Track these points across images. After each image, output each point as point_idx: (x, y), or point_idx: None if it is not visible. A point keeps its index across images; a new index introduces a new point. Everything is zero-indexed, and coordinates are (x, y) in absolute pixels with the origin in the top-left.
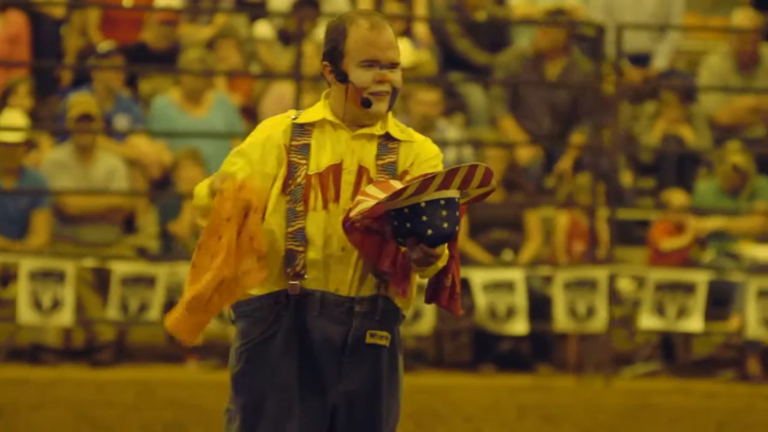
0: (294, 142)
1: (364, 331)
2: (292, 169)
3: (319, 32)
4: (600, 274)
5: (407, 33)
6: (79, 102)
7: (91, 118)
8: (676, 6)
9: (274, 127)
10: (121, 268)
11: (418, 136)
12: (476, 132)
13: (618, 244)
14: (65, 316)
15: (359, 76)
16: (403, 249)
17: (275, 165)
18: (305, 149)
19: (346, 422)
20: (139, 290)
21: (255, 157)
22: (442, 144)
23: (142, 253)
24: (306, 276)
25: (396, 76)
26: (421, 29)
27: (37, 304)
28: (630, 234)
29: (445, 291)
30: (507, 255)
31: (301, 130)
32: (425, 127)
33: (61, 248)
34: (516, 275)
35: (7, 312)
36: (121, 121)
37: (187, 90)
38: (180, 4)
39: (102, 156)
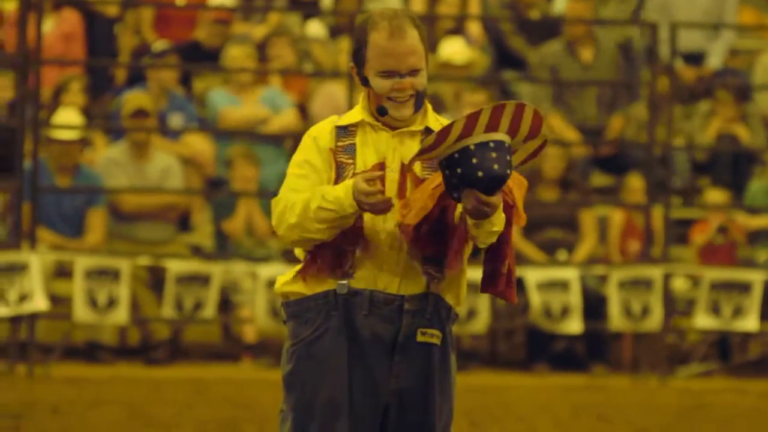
0: (340, 143)
1: (415, 329)
2: (340, 170)
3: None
4: (655, 273)
5: (461, 31)
6: (134, 98)
7: (146, 114)
8: (730, 4)
9: (319, 134)
10: (175, 267)
11: None
12: None
13: (673, 243)
14: (120, 315)
15: (378, 84)
16: (458, 214)
17: (329, 169)
18: (351, 149)
19: (397, 421)
20: (193, 288)
21: (319, 165)
22: None
23: (197, 252)
24: (354, 275)
25: (418, 80)
26: (474, 28)
27: (93, 303)
28: (685, 233)
29: (502, 278)
30: (561, 254)
31: (345, 131)
32: None
33: (117, 246)
34: (571, 274)
35: (63, 310)
36: (176, 120)
37: (237, 85)
38: (233, 3)
39: (157, 154)
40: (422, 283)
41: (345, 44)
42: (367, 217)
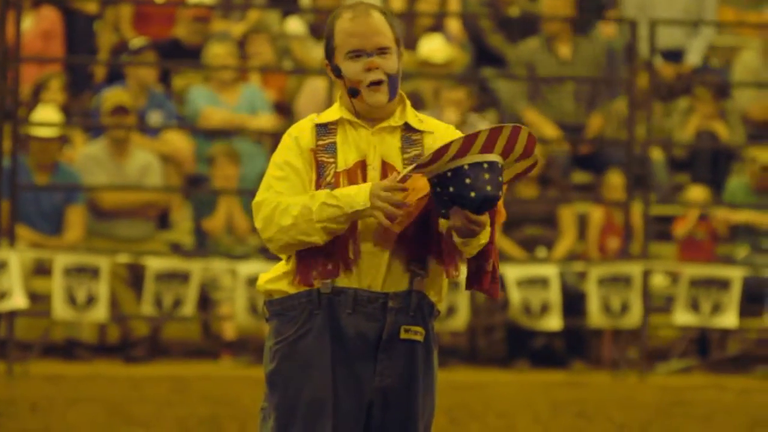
0: (320, 142)
1: (398, 326)
2: (321, 169)
3: None
4: (634, 269)
5: (440, 29)
6: (114, 95)
7: (125, 110)
8: (709, 2)
9: (300, 133)
10: (155, 264)
11: (440, 124)
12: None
13: (652, 240)
14: (100, 312)
15: (348, 68)
16: (444, 223)
17: (310, 170)
18: (332, 147)
19: (381, 418)
20: (173, 286)
21: (299, 166)
22: None
23: (176, 249)
24: (339, 273)
25: (387, 62)
26: (454, 25)
27: (72, 300)
28: (664, 229)
29: (487, 275)
30: (541, 251)
31: (325, 129)
32: (456, 123)
33: (96, 244)
34: (550, 271)
35: (42, 307)
36: (155, 117)
37: (218, 83)
38: (212, 1)
39: (136, 152)
40: (406, 281)
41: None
42: None
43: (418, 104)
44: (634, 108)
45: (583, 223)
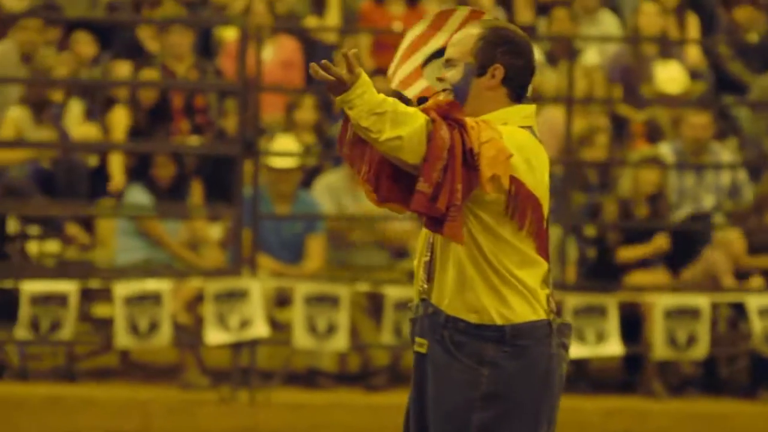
0: None
1: (413, 337)
2: None
3: (588, 55)
4: None
5: (679, 56)
6: None
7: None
8: None
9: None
10: (394, 293)
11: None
12: (750, 155)
13: None
14: (340, 341)
15: None
16: None
17: None
18: None
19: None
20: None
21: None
22: (716, 167)
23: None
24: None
25: (449, 72)
26: (692, 52)
27: (313, 329)
28: None
29: (419, 195)
30: None
31: None
32: (697, 150)
33: (335, 273)
34: None
35: (284, 336)
36: None
37: None
38: None
39: None
40: (434, 294)
41: (562, 69)
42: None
43: (656, 133)
44: None
45: None
